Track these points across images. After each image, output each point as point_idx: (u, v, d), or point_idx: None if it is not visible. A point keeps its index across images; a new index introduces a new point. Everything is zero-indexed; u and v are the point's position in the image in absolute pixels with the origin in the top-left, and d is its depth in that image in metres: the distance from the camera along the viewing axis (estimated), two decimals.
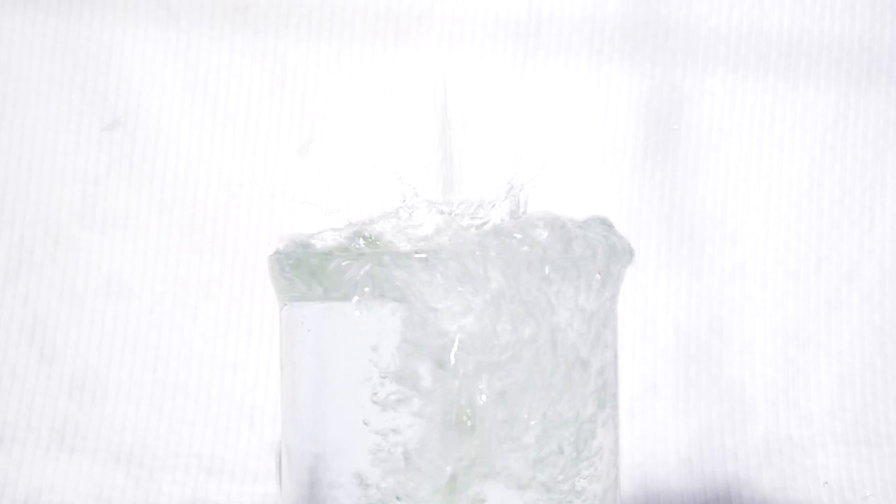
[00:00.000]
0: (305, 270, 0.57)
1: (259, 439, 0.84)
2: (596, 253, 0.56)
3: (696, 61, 0.89)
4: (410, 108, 0.88)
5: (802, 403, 0.86)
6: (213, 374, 0.86)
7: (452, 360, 0.54)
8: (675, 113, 0.88)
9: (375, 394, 0.55)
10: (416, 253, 0.55)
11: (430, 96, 0.61)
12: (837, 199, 0.89)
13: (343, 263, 0.56)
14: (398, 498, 0.55)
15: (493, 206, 0.58)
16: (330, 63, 0.88)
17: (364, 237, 0.58)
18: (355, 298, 0.55)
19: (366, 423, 0.55)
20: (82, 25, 0.88)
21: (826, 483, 0.84)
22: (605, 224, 0.58)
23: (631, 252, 0.57)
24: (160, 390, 0.85)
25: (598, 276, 0.56)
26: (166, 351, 0.86)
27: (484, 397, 0.54)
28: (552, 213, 0.56)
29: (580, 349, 0.56)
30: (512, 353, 0.54)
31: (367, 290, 0.55)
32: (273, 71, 0.88)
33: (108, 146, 0.87)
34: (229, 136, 0.87)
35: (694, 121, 0.89)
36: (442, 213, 0.58)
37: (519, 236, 0.55)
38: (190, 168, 0.87)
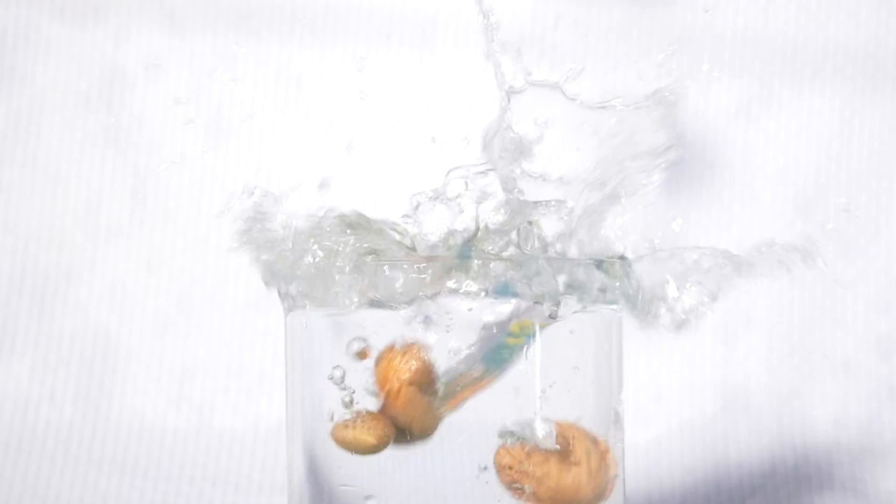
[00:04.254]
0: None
1: (263, 450, 0.84)
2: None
3: (701, 68, 0.89)
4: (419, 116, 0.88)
5: (807, 412, 0.86)
6: (217, 383, 0.86)
7: None
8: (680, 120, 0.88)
9: None
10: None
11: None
12: (843, 206, 0.88)
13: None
14: None
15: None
16: (334, 71, 0.88)
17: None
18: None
19: None
20: (86, 33, 0.88)
21: None
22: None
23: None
24: (164, 401, 0.85)
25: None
26: (170, 361, 0.86)
27: None
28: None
29: None
30: None
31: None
32: (277, 79, 0.88)
33: (111, 154, 0.87)
34: (233, 145, 0.87)
35: (698, 127, 0.88)
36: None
37: None
38: (194, 177, 0.87)
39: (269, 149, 0.88)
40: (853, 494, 0.84)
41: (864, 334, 0.88)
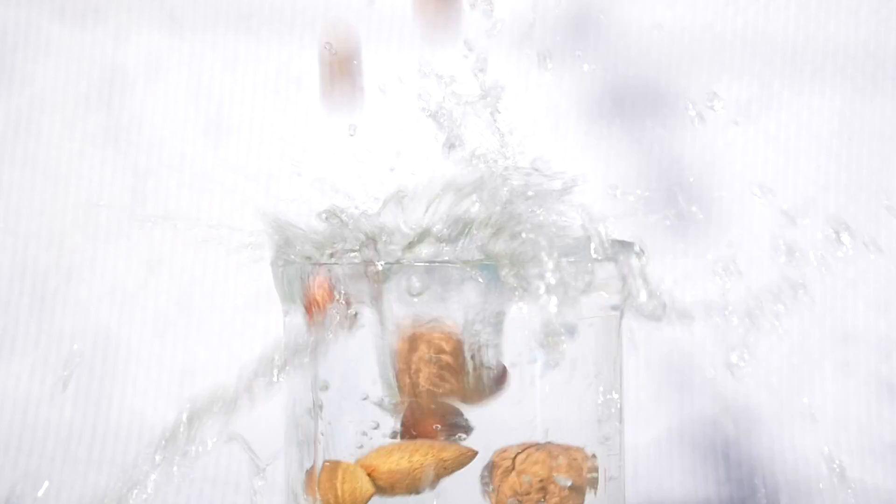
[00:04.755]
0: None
1: (264, 450, 0.84)
2: None
3: (701, 67, 0.88)
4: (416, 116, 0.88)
5: (807, 412, 0.86)
6: (218, 384, 0.86)
7: None
8: (679, 121, 0.88)
9: None
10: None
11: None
12: (843, 205, 0.88)
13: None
14: None
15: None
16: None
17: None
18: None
19: None
20: (86, 33, 0.88)
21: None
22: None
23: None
24: (164, 401, 0.85)
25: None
26: (170, 362, 0.86)
27: None
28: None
29: None
30: None
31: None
32: (276, 79, 0.88)
33: (111, 155, 0.87)
34: (233, 146, 0.87)
35: (698, 128, 0.88)
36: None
37: None
38: (194, 178, 0.87)
39: (268, 149, 0.88)
40: (853, 494, 0.84)
41: (864, 333, 0.87)
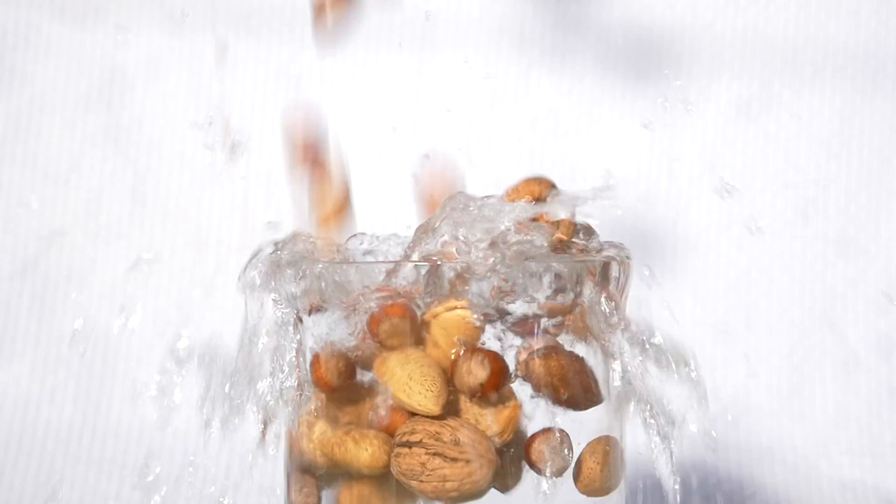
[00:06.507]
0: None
1: (264, 451, 0.84)
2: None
3: (701, 67, 0.89)
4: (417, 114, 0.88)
5: (807, 412, 0.86)
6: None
7: None
8: (679, 120, 0.88)
9: None
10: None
11: None
12: (843, 205, 0.88)
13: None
14: None
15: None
16: (333, 71, 0.88)
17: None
18: None
19: None
20: (86, 33, 0.88)
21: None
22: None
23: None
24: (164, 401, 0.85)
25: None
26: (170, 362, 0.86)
27: None
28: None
29: None
30: None
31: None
32: (277, 79, 0.88)
33: (112, 154, 0.87)
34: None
35: (698, 128, 0.88)
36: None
37: None
38: (194, 178, 0.87)
39: (267, 147, 0.88)
40: (853, 494, 0.84)
41: (865, 334, 0.87)
